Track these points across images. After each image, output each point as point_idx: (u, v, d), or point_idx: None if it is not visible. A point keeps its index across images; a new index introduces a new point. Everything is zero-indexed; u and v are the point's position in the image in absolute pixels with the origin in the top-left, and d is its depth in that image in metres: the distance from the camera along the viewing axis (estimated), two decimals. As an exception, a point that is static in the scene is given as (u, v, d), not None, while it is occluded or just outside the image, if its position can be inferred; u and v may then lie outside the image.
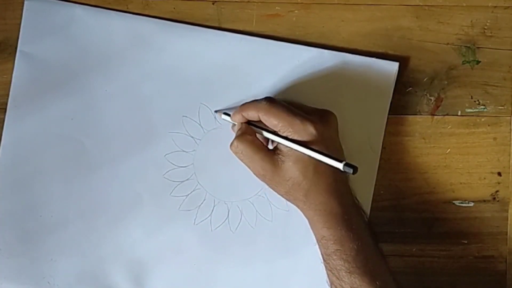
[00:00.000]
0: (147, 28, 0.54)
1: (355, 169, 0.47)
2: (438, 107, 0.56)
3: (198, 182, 0.55)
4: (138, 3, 0.55)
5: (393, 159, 0.56)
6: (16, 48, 0.55)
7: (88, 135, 0.54)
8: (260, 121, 0.51)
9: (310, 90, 0.54)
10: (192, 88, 0.55)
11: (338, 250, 0.49)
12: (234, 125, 0.53)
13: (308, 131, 0.49)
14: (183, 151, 0.55)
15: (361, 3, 0.55)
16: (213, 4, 0.55)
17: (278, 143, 0.50)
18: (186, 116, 0.55)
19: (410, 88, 0.56)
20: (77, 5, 0.54)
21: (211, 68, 0.55)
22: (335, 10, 0.55)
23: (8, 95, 0.55)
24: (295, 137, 0.49)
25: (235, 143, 0.51)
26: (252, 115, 0.51)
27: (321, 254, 0.50)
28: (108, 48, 0.54)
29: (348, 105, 0.54)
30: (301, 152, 0.48)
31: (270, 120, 0.50)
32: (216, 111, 0.55)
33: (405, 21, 0.56)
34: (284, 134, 0.49)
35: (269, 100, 0.50)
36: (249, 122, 0.52)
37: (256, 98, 0.52)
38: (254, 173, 0.51)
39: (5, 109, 0.54)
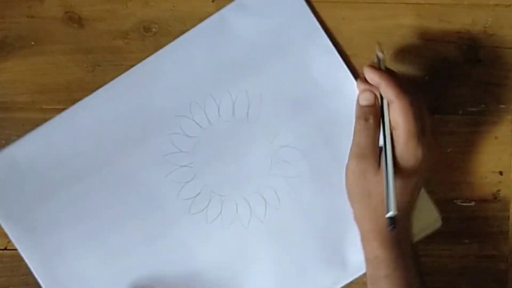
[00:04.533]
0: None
1: (393, 227, 0.45)
2: (439, 106, 0.55)
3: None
4: (137, 1, 0.55)
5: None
6: (14, 46, 0.55)
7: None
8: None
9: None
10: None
11: (389, 275, 0.47)
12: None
13: (415, 152, 0.47)
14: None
15: (362, 1, 0.55)
16: (212, 2, 0.55)
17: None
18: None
19: (411, 87, 0.55)
20: (10, 147, 0.54)
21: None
22: (336, 8, 0.55)
23: (6, 94, 0.55)
24: (399, 147, 0.47)
25: (370, 119, 0.49)
26: (388, 94, 0.47)
27: (369, 274, 0.49)
28: None
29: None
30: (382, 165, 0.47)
31: (402, 119, 0.46)
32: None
33: (406, 20, 0.55)
34: (395, 137, 0.47)
35: (414, 99, 0.47)
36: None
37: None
38: (357, 150, 0.49)
39: (4, 108, 0.55)
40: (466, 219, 0.56)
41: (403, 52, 0.55)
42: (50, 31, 0.55)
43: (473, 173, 0.56)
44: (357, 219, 0.50)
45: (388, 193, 0.46)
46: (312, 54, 0.55)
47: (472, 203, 0.56)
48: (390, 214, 0.45)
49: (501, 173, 0.56)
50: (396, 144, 0.48)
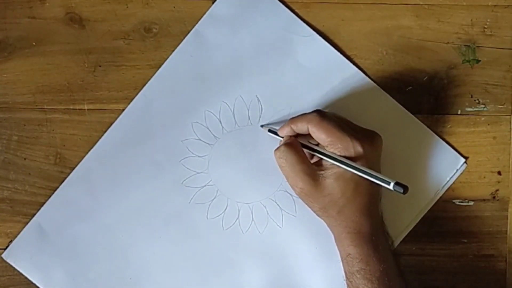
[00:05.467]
0: None
1: (405, 189, 0.46)
2: (438, 106, 0.56)
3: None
4: (138, 2, 0.55)
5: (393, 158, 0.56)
6: (15, 47, 0.55)
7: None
8: (307, 136, 0.50)
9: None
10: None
11: (362, 269, 0.49)
12: (281, 140, 0.53)
13: (356, 149, 0.48)
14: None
15: (361, 2, 0.55)
16: (212, 3, 0.55)
17: (322, 159, 0.50)
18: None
19: (410, 87, 0.56)
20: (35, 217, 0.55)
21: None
22: (335, 9, 0.55)
23: (7, 94, 0.55)
24: (343, 154, 0.49)
25: (282, 148, 0.50)
26: (302, 127, 0.50)
27: (345, 271, 0.50)
28: None
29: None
30: (349, 170, 0.48)
31: (320, 133, 0.49)
32: (262, 126, 0.55)
33: (405, 20, 0.56)
34: (331, 150, 0.49)
35: (320, 113, 0.50)
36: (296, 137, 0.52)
37: (305, 112, 0.51)
38: (292, 184, 0.51)
39: (6, 108, 0.55)
40: (465, 219, 0.56)
41: (402, 53, 0.56)
42: (51, 31, 0.55)
43: (471, 173, 0.56)
44: (328, 226, 0.52)
45: (374, 177, 0.47)
46: (294, 43, 0.55)
47: (471, 203, 0.56)
48: (391, 185, 0.46)
49: (499, 173, 0.56)
50: (339, 152, 0.49)
